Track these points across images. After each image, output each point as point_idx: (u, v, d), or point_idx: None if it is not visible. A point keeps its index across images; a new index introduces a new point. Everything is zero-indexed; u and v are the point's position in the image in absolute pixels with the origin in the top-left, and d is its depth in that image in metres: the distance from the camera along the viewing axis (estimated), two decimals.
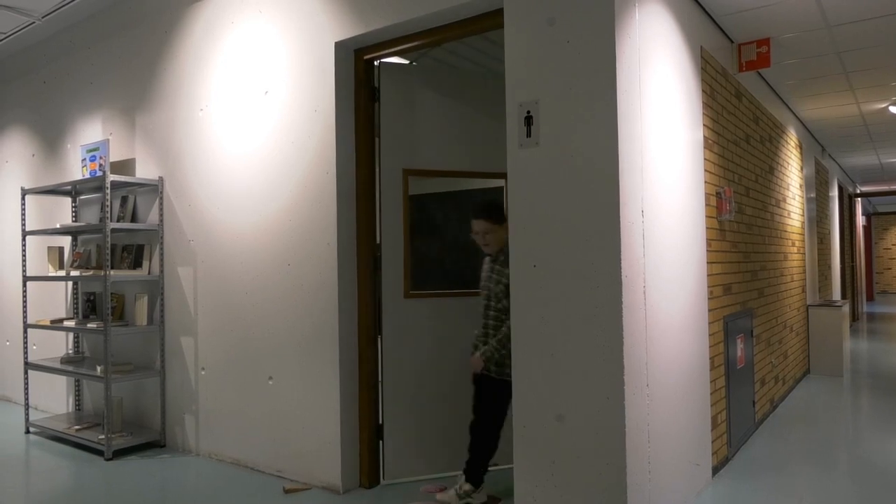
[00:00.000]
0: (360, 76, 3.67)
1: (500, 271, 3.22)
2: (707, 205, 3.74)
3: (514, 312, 2.85)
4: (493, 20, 3.10)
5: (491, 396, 3.26)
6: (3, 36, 5.33)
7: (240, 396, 4.05)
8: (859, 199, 14.57)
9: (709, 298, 3.73)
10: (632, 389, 2.63)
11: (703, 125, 3.73)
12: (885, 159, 10.00)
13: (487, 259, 3.37)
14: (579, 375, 2.67)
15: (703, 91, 3.75)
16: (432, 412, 3.71)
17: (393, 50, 3.53)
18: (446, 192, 4.02)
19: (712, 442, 3.71)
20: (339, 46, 3.59)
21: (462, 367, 3.59)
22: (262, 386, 3.93)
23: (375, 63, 3.70)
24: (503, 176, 3.34)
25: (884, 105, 6.34)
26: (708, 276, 3.73)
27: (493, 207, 3.32)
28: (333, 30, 3.58)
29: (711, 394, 3.72)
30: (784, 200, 6.08)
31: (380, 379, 3.71)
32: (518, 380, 2.85)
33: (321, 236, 3.62)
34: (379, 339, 3.71)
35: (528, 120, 2.79)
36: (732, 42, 4.44)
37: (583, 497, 2.65)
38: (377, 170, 3.73)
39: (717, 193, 3.94)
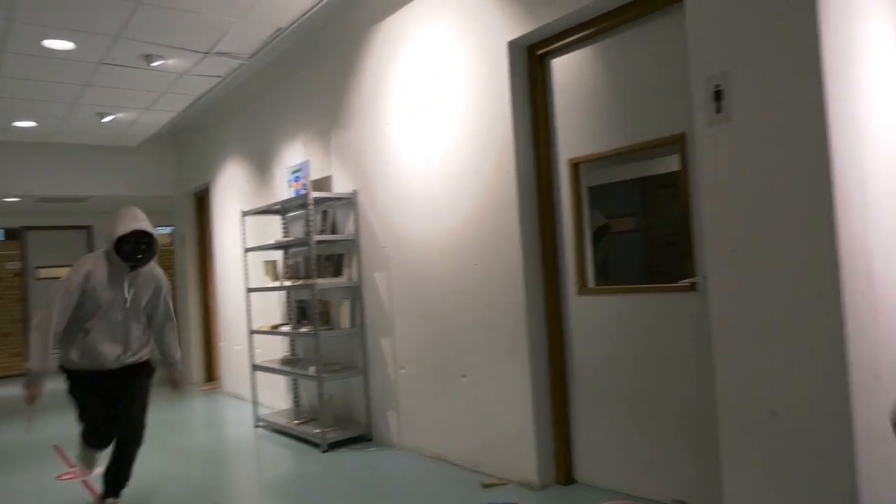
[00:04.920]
0: (534, 73, 3.67)
1: None
2: None
3: (714, 300, 2.66)
4: None
5: None
6: (221, 79, 6.11)
7: (436, 393, 4.23)
8: None
9: None
10: (858, 383, 2.34)
11: None
12: None
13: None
14: (793, 367, 2.43)
15: None
16: (621, 417, 3.54)
17: (566, 41, 3.49)
18: (628, 181, 3.83)
19: None
20: (513, 46, 3.62)
21: (647, 369, 3.42)
22: (456, 383, 4.06)
23: (548, 57, 3.68)
24: (677, 141, 3.03)
25: None
26: None
27: None
28: (505, 30, 3.62)
29: None
30: None
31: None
32: (722, 372, 2.66)
33: (504, 235, 3.68)
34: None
35: (718, 94, 2.61)
36: None
37: (807, 501, 2.40)
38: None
39: None
